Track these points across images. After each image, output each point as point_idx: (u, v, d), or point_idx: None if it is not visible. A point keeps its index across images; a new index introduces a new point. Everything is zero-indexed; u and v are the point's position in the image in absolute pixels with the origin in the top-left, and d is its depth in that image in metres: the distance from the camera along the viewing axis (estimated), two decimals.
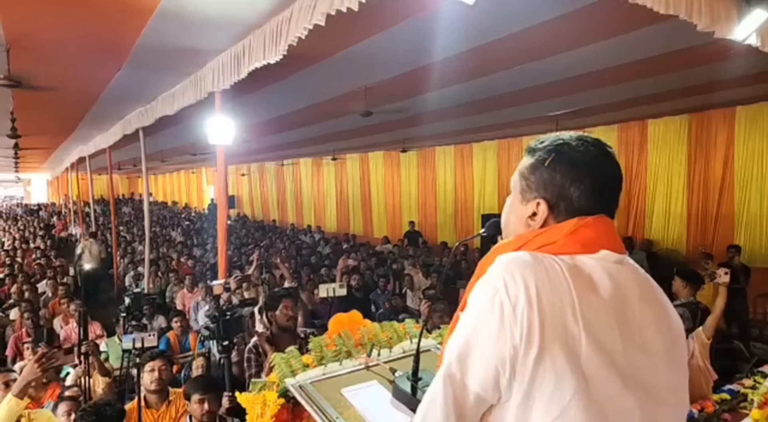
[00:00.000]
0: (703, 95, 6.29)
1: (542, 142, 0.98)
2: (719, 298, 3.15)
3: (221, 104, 4.46)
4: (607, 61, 4.69)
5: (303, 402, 1.26)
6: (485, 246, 10.24)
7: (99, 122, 7.97)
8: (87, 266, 9.32)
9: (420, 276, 7.60)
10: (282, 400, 1.31)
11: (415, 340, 1.61)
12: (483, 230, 1.17)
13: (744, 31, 3.43)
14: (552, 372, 0.80)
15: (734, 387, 2.86)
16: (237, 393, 1.37)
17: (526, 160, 1.00)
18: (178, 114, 5.56)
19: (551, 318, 0.82)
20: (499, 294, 0.84)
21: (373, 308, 6.24)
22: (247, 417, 1.33)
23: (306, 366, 1.40)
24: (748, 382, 2.81)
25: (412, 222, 12.53)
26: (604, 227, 0.93)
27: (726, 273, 3.17)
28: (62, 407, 3.13)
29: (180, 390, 3.34)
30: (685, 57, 4.46)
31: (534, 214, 0.96)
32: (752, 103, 6.97)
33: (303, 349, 2.70)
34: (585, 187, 0.93)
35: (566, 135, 0.98)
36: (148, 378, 3.14)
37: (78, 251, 10.44)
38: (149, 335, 3.26)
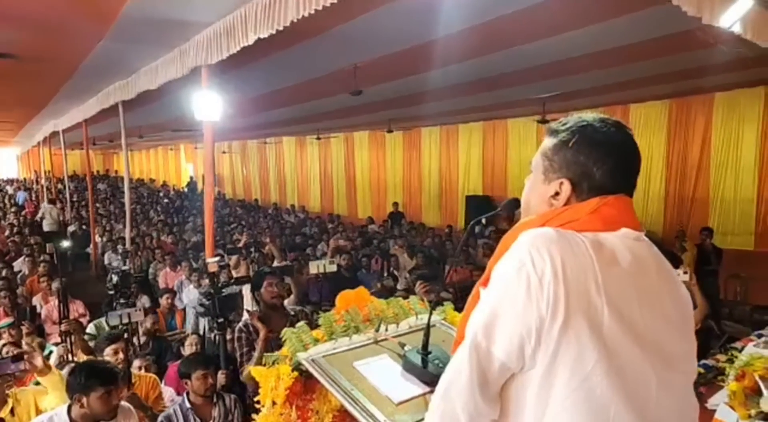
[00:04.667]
0: (685, 81, 6.42)
1: (564, 124, 1.01)
2: (696, 297, 3.21)
3: (208, 79, 4.37)
4: (594, 46, 4.74)
5: (317, 375, 1.29)
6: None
7: (76, 95, 7.69)
8: (48, 228, 10.90)
9: (405, 256, 7.68)
10: (295, 373, 1.34)
11: (420, 316, 1.66)
12: (499, 208, 1.20)
13: (730, 18, 3.52)
14: (576, 341, 0.85)
15: (709, 362, 3.01)
16: (251, 367, 1.40)
17: (549, 141, 1.02)
18: (160, 88, 5.42)
19: (576, 290, 0.86)
20: (526, 267, 0.87)
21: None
22: (260, 389, 1.36)
23: (316, 341, 1.43)
24: (723, 357, 2.95)
25: (395, 203, 12.58)
26: (624, 206, 0.98)
27: (685, 273, 3.24)
28: None
29: (144, 373, 3.30)
30: (669, 43, 4.54)
31: (557, 194, 0.99)
32: (730, 89, 7.14)
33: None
34: (607, 167, 0.96)
35: (589, 116, 1.01)
36: (112, 360, 3.05)
37: (39, 215, 11.63)
38: (136, 310, 3.24)
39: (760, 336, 3.19)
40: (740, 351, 2.87)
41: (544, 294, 0.85)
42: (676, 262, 3.87)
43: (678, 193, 7.99)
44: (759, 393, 2.32)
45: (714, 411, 2.43)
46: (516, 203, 1.14)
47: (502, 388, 0.93)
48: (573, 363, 0.85)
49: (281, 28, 3.15)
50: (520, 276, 0.88)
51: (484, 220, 1.23)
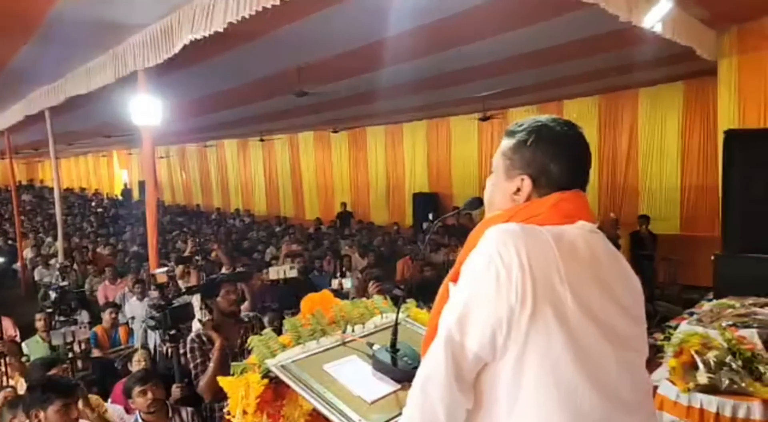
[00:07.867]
0: (612, 78, 6.87)
1: (521, 125, 1.09)
2: None
3: (145, 82, 4.18)
4: (529, 46, 4.98)
5: (288, 381, 1.28)
6: (416, 226, 10.54)
7: None
8: None
9: (357, 256, 7.68)
10: (265, 381, 1.32)
11: (386, 315, 1.68)
12: (463, 206, 1.25)
13: (651, 19, 3.83)
14: (544, 328, 0.91)
15: (648, 340, 3.23)
16: (219, 378, 1.36)
17: (507, 142, 1.10)
18: (91, 93, 5.12)
19: (541, 281, 0.92)
20: (494, 262, 0.93)
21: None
22: (229, 400, 1.33)
23: (284, 347, 1.42)
24: (661, 336, 3.18)
25: (344, 203, 12.55)
26: (580, 200, 1.06)
27: None
28: None
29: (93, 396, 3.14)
30: (597, 43, 4.86)
31: (518, 190, 1.06)
32: (653, 85, 7.72)
33: (250, 333, 2.66)
34: (563, 163, 1.04)
35: (543, 118, 1.10)
36: None
37: None
38: (80, 327, 3.06)
39: (691, 314, 3.46)
40: (674, 328, 3.11)
41: (513, 286, 0.91)
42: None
43: (610, 183, 8.52)
44: (695, 367, 2.53)
45: (656, 387, 2.62)
46: (478, 201, 1.19)
47: (475, 378, 0.97)
48: (542, 349, 0.91)
49: (221, 30, 3.10)
50: (490, 270, 0.92)
51: (431, 216, 1.29)
